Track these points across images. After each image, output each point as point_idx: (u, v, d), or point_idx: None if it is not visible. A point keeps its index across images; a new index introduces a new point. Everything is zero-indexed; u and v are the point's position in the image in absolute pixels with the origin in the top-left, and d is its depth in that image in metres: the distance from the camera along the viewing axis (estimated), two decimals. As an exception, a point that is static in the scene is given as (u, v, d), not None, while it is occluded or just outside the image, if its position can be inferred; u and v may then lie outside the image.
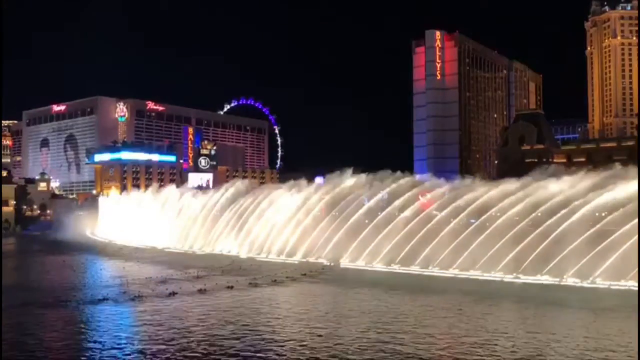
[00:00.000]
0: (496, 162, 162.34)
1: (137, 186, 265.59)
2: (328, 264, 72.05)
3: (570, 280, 53.40)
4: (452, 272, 61.80)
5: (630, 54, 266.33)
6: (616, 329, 36.50)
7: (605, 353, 30.88)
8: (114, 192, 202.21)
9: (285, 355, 31.00)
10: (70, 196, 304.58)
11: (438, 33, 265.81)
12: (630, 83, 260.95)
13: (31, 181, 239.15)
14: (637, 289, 45.22)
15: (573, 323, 38.90)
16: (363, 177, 76.15)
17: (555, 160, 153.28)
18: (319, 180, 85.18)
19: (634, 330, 33.39)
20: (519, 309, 44.09)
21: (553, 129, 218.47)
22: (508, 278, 56.73)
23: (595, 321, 39.05)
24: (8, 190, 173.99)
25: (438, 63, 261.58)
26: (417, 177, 79.09)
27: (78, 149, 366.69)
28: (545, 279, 54.96)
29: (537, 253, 56.91)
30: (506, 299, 48.39)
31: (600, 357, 30.22)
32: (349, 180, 77.10)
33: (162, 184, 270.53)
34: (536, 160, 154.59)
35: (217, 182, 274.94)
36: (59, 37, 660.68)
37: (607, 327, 36.99)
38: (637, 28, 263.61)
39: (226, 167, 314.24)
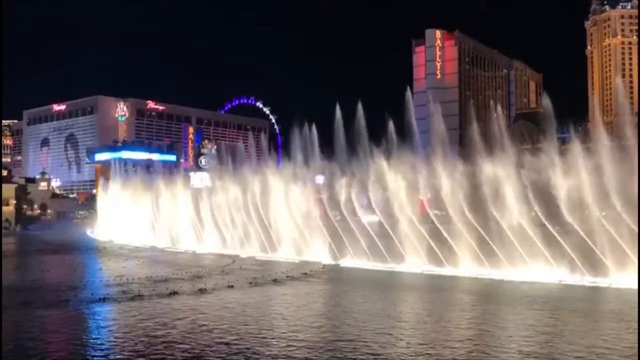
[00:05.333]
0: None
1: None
2: (328, 263, 72.15)
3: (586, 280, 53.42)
4: (451, 270, 61.91)
5: (630, 53, 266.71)
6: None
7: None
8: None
9: (288, 355, 30.96)
10: (71, 195, 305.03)
11: (438, 32, 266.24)
12: (631, 82, 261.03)
13: (32, 180, 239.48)
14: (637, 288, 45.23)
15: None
16: None
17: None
18: (319, 179, 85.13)
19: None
20: (528, 309, 43.91)
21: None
22: (509, 278, 56.78)
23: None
24: (8, 189, 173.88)
25: (438, 62, 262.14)
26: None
27: (78, 148, 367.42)
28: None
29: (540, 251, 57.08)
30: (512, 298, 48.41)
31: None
32: None
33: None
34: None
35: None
36: (59, 36, 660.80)
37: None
38: (637, 27, 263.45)
39: (226, 166, 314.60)
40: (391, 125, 70.08)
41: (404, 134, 71.97)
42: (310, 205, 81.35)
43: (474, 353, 30.61)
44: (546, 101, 65.38)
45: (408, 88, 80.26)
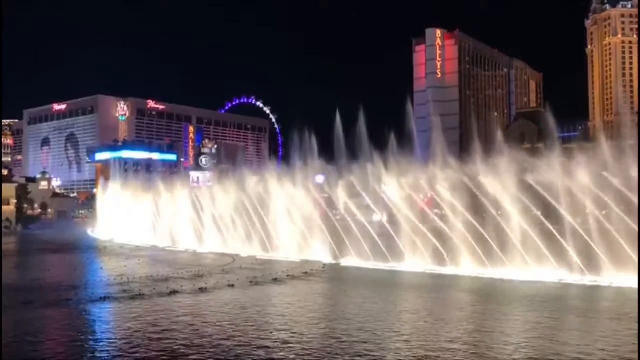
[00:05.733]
0: (496, 160, 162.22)
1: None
2: (328, 262, 72.24)
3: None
4: (453, 269, 61.93)
5: (630, 52, 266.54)
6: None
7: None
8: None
9: (287, 355, 31.03)
10: (71, 195, 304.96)
11: (438, 31, 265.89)
12: (631, 81, 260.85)
13: (32, 180, 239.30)
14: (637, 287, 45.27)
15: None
16: None
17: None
18: (319, 178, 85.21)
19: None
20: (528, 310, 43.97)
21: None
22: (510, 277, 56.83)
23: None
24: (9, 189, 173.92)
25: (438, 61, 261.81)
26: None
27: (79, 147, 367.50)
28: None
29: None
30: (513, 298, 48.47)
31: None
32: None
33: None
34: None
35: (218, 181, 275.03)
36: (59, 36, 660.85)
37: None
38: (637, 26, 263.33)
39: (227, 166, 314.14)
40: (393, 138, 70.35)
41: (403, 134, 72.19)
42: (311, 205, 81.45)
43: (473, 352, 30.68)
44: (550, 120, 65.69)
45: (409, 98, 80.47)
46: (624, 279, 50.48)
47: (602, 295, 48.75)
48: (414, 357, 30.01)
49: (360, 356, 30.08)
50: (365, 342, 32.78)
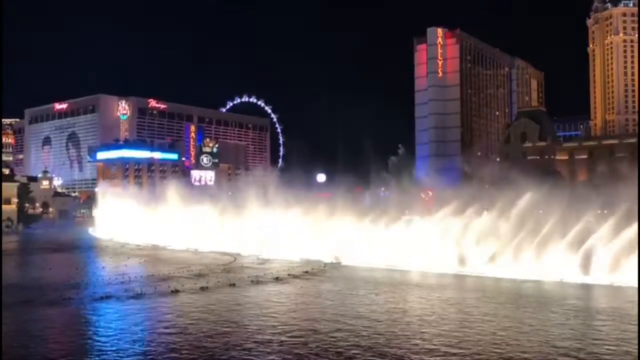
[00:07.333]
0: (498, 159, 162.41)
1: (140, 184, 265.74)
2: (330, 262, 72.24)
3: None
4: (453, 268, 62.03)
5: (632, 51, 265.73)
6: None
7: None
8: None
9: (284, 352, 31.04)
10: (73, 194, 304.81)
11: (439, 30, 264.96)
12: (633, 80, 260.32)
13: (33, 179, 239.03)
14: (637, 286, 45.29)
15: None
16: None
17: (557, 158, 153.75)
18: (321, 177, 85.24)
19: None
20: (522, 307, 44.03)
21: (555, 126, 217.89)
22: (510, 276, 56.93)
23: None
24: (10, 188, 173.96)
25: (439, 60, 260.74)
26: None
27: (80, 147, 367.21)
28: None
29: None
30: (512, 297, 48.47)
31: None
32: None
33: (164, 182, 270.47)
34: (538, 157, 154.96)
35: (219, 180, 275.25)
36: (60, 35, 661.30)
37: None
38: (638, 25, 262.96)
39: (228, 165, 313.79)
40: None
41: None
42: (311, 205, 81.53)
43: (471, 351, 30.70)
44: None
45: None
46: (625, 278, 50.46)
47: (603, 294, 48.71)
48: (412, 354, 30.02)
49: (359, 353, 30.12)
50: (360, 339, 32.80)
